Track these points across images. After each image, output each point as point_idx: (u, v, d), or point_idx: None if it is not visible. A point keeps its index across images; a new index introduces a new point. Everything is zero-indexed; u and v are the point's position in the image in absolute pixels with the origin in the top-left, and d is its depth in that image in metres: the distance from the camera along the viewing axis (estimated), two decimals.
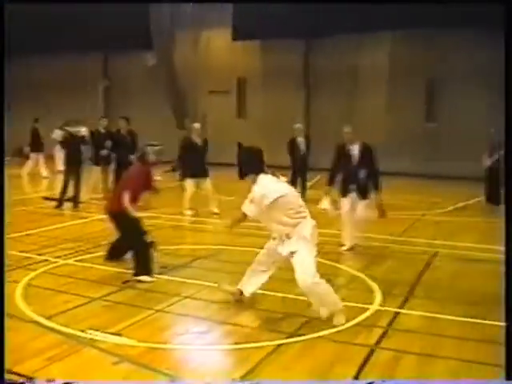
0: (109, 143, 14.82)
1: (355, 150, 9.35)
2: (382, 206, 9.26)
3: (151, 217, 12.13)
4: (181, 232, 11.62)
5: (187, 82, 25.52)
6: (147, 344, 5.30)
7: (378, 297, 6.81)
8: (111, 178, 14.86)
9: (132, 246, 7.68)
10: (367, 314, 6.25)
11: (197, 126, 13.66)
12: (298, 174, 15.46)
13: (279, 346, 5.34)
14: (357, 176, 9.29)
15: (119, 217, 7.71)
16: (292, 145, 15.49)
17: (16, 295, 6.65)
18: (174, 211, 12.77)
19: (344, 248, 9.46)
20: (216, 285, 6.96)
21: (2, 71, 5.16)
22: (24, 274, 7.59)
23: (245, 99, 27.46)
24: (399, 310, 6.42)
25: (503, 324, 4.39)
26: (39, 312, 6.05)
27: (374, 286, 7.32)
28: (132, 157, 13.55)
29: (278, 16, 23.15)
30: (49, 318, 5.88)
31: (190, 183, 13.12)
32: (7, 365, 4.66)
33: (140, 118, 19.33)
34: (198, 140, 13.39)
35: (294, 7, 22.74)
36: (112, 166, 14.91)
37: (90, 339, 5.36)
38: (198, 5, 26.40)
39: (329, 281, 7.21)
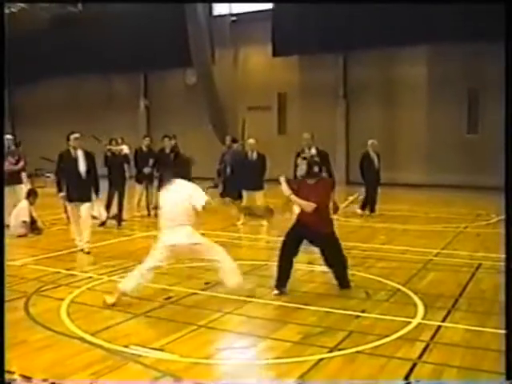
0: (151, 161, 15.05)
1: None
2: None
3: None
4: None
5: (227, 99, 25.69)
6: (189, 359, 5.33)
7: (421, 310, 6.73)
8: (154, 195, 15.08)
9: None
10: (409, 327, 6.19)
11: (252, 141, 14.29)
12: (371, 189, 15.30)
13: (320, 360, 5.33)
14: None
15: None
16: (366, 160, 15.39)
17: (61, 312, 6.78)
18: (214, 227, 12.68)
19: None
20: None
21: (2, 71, 5.26)
22: (68, 291, 7.74)
23: (285, 115, 27.50)
24: (442, 324, 6.35)
25: None
26: (84, 328, 6.14)
27: (417, 299, 7.25)
28: None
29: (316, 31, 23.27)
30: (93, 334, 5.97)
31: (244, 196, 13.94)
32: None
33: (182, 134, 19.47)
34: (253, 155, 14.05)
35: (331, 22, 22.87)
36: (155, 184, 15.13)
37: (133, 355, 5.43)
38: (237, 21, 26.69)
39: (368, 294, 7.18)
